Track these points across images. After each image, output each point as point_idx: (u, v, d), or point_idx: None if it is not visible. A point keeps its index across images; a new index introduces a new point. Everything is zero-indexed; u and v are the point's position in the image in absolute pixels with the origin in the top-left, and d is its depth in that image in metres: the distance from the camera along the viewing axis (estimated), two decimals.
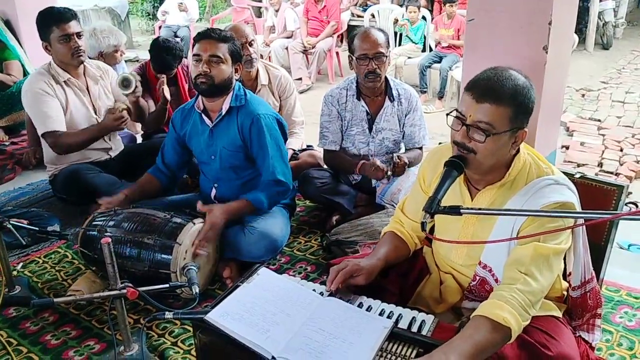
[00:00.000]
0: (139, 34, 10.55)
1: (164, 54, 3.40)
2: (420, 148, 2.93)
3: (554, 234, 1.49)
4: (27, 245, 2.78)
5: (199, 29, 2.70)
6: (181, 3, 7.96)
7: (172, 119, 2.67)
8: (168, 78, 3.55)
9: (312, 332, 1.47)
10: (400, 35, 6.89)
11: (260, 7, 9.11)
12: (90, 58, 3.32)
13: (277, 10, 7.39)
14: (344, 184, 2.95)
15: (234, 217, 2.40)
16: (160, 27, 8.21)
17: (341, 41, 7.78)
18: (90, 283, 2.34)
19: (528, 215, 1.51)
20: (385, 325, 1.48)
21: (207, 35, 2.38)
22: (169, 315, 1.66)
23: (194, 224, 2.27)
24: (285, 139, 2.64)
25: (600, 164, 4.24)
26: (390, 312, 1.58)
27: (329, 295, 1.63)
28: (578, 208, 1.55)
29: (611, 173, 4.04)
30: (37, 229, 2.39)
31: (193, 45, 2.49)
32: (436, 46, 6.26)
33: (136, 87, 3.01)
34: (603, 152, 4.48)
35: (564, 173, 1.66)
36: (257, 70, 3.22)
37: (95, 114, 3.16)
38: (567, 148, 4.58)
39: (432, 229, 1.85)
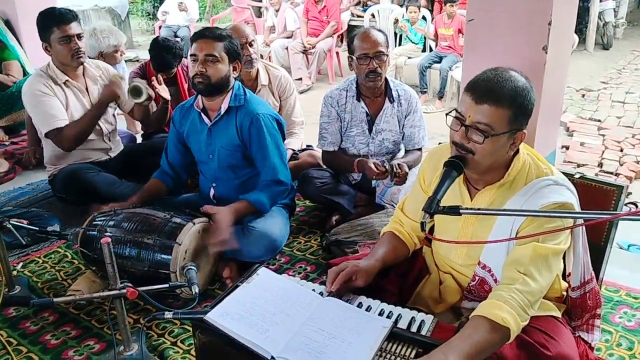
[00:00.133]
0: (139, 34, 10.55)
1: (164, 53, 3.41)
2: (420, 149, 2.93)
3: (553, 234, 1.49)
4: (27, 245, 2.78)
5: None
6: (181, 3, 7.96)
7: (172, 117, 2.67)
8: (168, 78, 3.56)
9: (312, 332, 1.47)
10: (401, 35, 6.89)
11: (260, 7, 9.11)
12: (90, 58, 3.32)
13: (277, 10, 7.39)
14: (343, 184, 2.95)
15: (238, 218, 2.41)
16: (160, 27, 8.21)
17: (341, 41, 7.77)
18: (90, 283, 2.34)
19: (527, 215, 1.51)
20: (384, 325, 1.49)
21: (203, 35, 2.39)
22: (168, 315, 1.66)
23: (194, 224, 2.28)
24: (284, 139, 2.64)
25: (600, 164, 4.24)
26: (390, 312, 1.58)
27: (329, 295, 1.63)
28: (577, 208, 1.55)
29: (611, 173, 4.04)
30: (37, 228, 2.39)
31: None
32: (436, 46, 6.26)
33: (149, 96, 2.99)
34: (603, 152, 4.48)
35: (564, 173, 1.66)
36: (257, 71, 3.22)
37: None
38: (567, 148, 4.58)
39: (431, 229, 1.85)
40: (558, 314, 1.66)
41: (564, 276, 1.71)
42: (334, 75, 7.00)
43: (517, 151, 1.58)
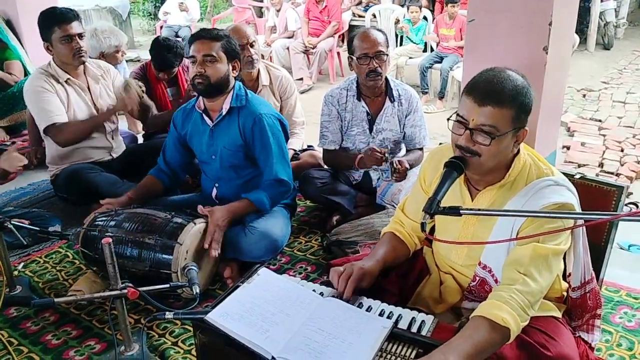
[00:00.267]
0: (140, 34, 10.57)
1: (165, 52, 3.41)
2: (421, 149, 2.93)
3: (554, 235, 1.49)
4: (28, 245, 2.78)
5: None
6: (182, 3, 7.97)
7: (174, 119, 2.67)
8: (169, 78, 3.56)
9: (312, 332, 1.47)
10: (402, 35, 6.89)
11: (261, 7, 9.12)
12: (91, 58, 3.33)
13: (278, 10, 7.39)
14: (344, 184, 2.96)
15: (236, 217, 2.41)
16: (161, 27, 8.23)
17: (342, 41, 7.78)
18: (91, 283, 2.35)
19: (527, 216, 1.51)
20: (384, 326, 1.49)
21: (200, 36, 2.40)
22: (169, 315, 1.66)
23: (195, 224, 2.28)
24: (287, 139, 2.65)
25: (601, 165, 4.24)
26: (390, 312, 1.58)
27: (333, 297, 1.63)
28: (578, 209, 1.55)
29: (612, 173, 4.04)
30: (38, 229, 2.40)
31: None
32: (437, 46, 6.26)
33: (140, 87, 3.01)
34: (604, 152, 4.48)
35: (564, 174, 1.66)
36: (258, 71, 3.22)
37: (97, 112, 3.16)
38: (568, 148, 4.58)
39: (432, 230, 1.85)
40: (558, 314, 1.66)
41: (565, 276, 1.71)
42: (335, 75, 7.00)
43: (518, 152, 1.58)
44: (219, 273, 2.46)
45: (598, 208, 1.79)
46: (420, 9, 6.60)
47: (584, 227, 1.62)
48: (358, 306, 1.60)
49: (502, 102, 1.46)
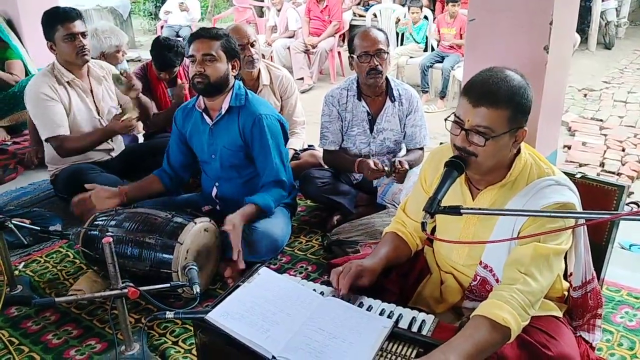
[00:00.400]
0: (141, 34, 10.57)
1: (166, 51, 3.41)
2: (422, 148, 2.92)
3: (555, 235, 1.49)
4: (29, 245, 2.78)
5: None
6: (182, 3, 7.96)
7: (175, 118, 2.68)
8: (170, 78, 3.56)
9: (312, 332, 1.47)
10: (402, 35, 6.89)
11: (262, 7, 9.11)
12: (92, 58, 3.33)
13: (279, 10, 7.39)
14: (345, 184, 2.95)
15: (248, 223, 2.41)
16: (162, 27, 8.23)
17: (343, 41, 7.77)
18: (92, 283, 2.35)
19: (528, 215, 1.51)
20: (385, 325, 1.49)
21: (199, 35, 2.40)
22: (169, 314, 1.66)
23: (195, 223, 2.28)
24: (286, 140, 2.65)
25: (602, 164, 4.24)
26: (391, 312, 1.58)
27: (339, 297, 1.63)
28: (579, 208, 1.55)
29: (613, 173, 4.04)
30: (38, 228, 2.39)
31: None
32: (438, 46, 6.25)
33: (130, 81, 2.99)
34: (605, 152, 4.48)
35: (565, 173, 1.66)
36: (259, 71, 3.22)
37: (99, 114, 3.17)
38: (569, 148, 4.58)
39: (433, 229, 1.85)
40: (559, 314, 1.66)
41: (566, 276, 1.71)
42: (336, 75, 7.00)
43: (519, 151, 1.58)
44: (220, 272, 2.46)
45: (599, 207, 1.79)
46: (421, 8, 6.59)
47: (585, 227, 1.62)
48: (359, 305, 1.60)
49: (497, 103, 1.46)
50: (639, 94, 6.07)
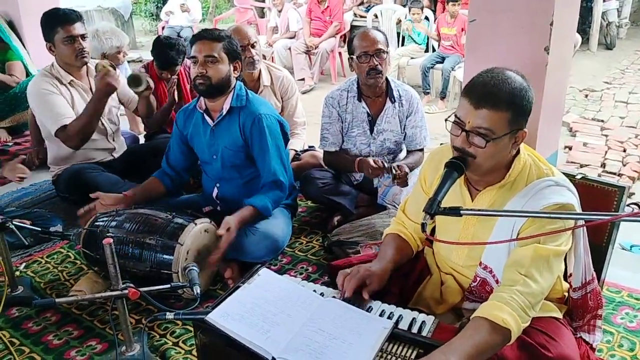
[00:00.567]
0: (142, 35, 10.58)
1: (167, 50, 3.42)
2: (422, 150, 2.92)
3: (554, 236, 1.49)
4: (30, 246, 2.78)
5: None
6: (183, 4, 7.97)
7: (176, 119, 2.68)
8: (172, 77, 3.56)
9: (312, 333, 1.47)
10: (403, 36, 6.88)
11: (263, 8, 9.12)
12: (93, 59, 3.33)
13: (280, 11, 7.39)
14: (345, 185, 2.95)
15: (245, 225, 2.41)
16: (163, 28, 8.24)
17: (344, 41, 7.76)
18: (92, 283, 2.35)
19: (527, 216, 1.51)
20: (385, 326, 1.49)
21: (201, 37, 2.40)
22: (170, 315, 1.66)
23: (196, 224, 2.28)
24: (287, 141, 2.64)
25: (603, 165, 4.23)
26: (391, 312, 1.58)
27: (334, 297, 1.63)
28: (578, 209, 1.54)
29: (614, 174, 4.03)
30: (39, 229, 2.40)
31: None
32: (439, 46, 6.25)
33: (148, 85, 3.00)
34: (606, 152, 4.47)
35: (565, 174, 1.66)
36: (260, 72, 3.23)
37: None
38: (570, 148, 4.58)
39: (433, 230, 1.85)
40: (559, 315, 1.66)
41: (566, 277, 1.71)
42: (337, 76, 7.00)
43: (518, 152, 1.58)
44: (220, 273, 2.46)
45: (599, 208, 1.79)
46: (422, 9, 6.58)
47: (585, 228, 1.62)
48: (367, 310, 1.59)
49: (498, 105, 1.45)
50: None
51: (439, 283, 1.83)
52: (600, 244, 1.85)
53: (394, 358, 1.41)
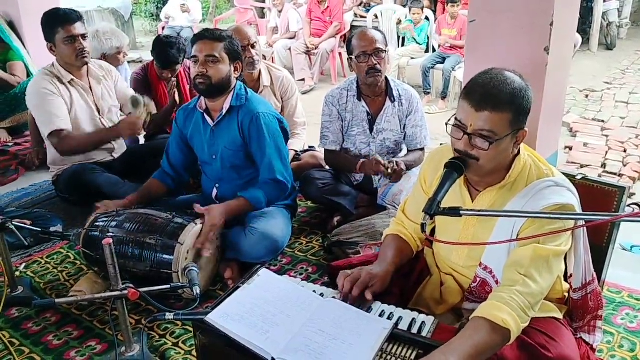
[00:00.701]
0: (143, 35, 10.59)
1: (168, 48, 3.42)
2: (422, 149, 2.92)
3: (554, 236, 1.49)
4: (30, 246, 2.79)
5: None
6: (183, 4, 7.97)
7: (176, 119, 2.68)
8: (173, 76, 3.56)
9: (312, 333, 1.47)
10: (404, 36, 6.88)
11: (263, 8, 9.12)
12: (92, 59, 3.34)
13: (280, 11, 7.39)
14: (345, 185, 2.95)
15: (232, 215, 2.41)
16: (163, 28, 8.24)
17: (344, 42, 7.77)
18: (92, 284, 2.35)
19: (527, 216, 1.51)
20: (385, 327, 1.48)
21: (203, 36, 2.40)
22: (169, 316, 1.66)
23: (196, 224, 2.28)
24: (287, 139, 2.64)
25: (603, 165, 4.23)
26: (390, 313, 1.58)
27: (333, 297, 1.63)
28: (578, 210, 1.54)
29: (614, 174, 4.03)
30: (39, 229, 2.40)
31: None
32: (439, 47, 6.25)
33: (145, 105, 3.02)
34: (606, 153, 4.47)
35: (566, 174, 1.66)
36: (260, 72, 3.22)
37: (99, 113, 3.18)
38: (570, 149, 4.57)
39: (433, 231, 1.85)
40: (559, 315, 1.65)
41: (566, 277, 1.71)
42: (337, 76, 7.00)
43: (518, 152, 1.58)
44: (220, 274, 2.46)
45: (600, 209, 1.78)
46: (422, 9, 6.58)
47: (585, 229, 1.62)
48: (367, 310, 1.59)
49: (499, 106, 1.45)
50: None
51: (438, 283, 1.83)
52: (600, 245, 1.85)
53: (393, 358, 1.41)
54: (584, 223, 1.55)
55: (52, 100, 2.96)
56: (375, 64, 2.67)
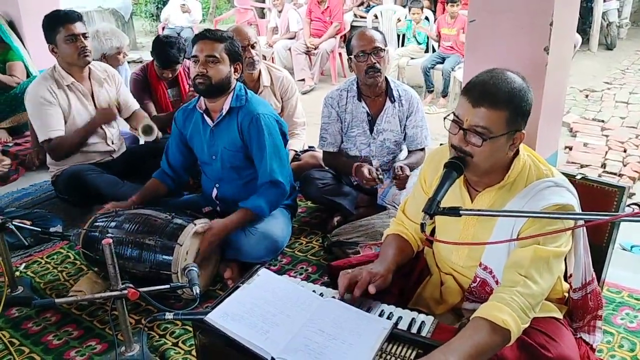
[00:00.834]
0: (143, 35, 10.59)
1: (168, 48, 3.42)
2: (423, 149, 2.92)
3: (554, 237, 1.49)
4: (30, 246, 2.79)
5: None
6: (183, 4, 7.97)
7: (175, 119, 2.68)
8: (172, 77, 3.56)
9: (312, 333, 1.47)
10: (404, 36, 6.88)
11: (263, 8, 9.12)
12: (94, 60, 3.34)
13: (280, 11, 7.39)
14: (345, 185, 2.95)
15: (234, 231, 2.41)
16: (163, 29, 8.24)
17: (344, 42, 7.78)
18: (92, 284, 2.35)
19: (527, 216, 1.51)
20: (384, 326, 1.48)
21: (203, 36, 2.40)
22: (169, 315, 1.66)
23: (195, 225, 2.28)
24: (286, 142, 2.64)
25: (603, 165, 4.23)
26: (390, 313, 1.58)
27: (333, 297, 1.63)
28: (578, 210, 1.54)
29: (614, 174, 4.03)
30: (39, 229, 2.40)
31: None
32: (439, 47, 6.25)
33: (157, 137, 3.10)
34: (606, 153, 4.47)
35: (565, 174, 1.65)
36: (260, 72, 3.22)
37: None
38: (570, 149, 4.57)
39: (432, 231, 1.85)
40: (559, 315, 1.65)
41: (566, 277, 1.71)
42: (337, 76, 7.00)
43: (517, 152, 1.58)
44: (220, 274, 2.46)
45: (599, 209, 1.78)
46: (422, 9, 6.59)
47: (585, 229, 1.62)
48: (367, 310, 1.59)
49: (496, 104, 1.45)
50: None
51: (438, 283, 1.83)
52: (600, 245, 1.85)
53: (393, 358, 1.41)
54: (584, 223, 1.54)
55: (47, 109, 3.00)
56: (375, 63, 2.66)
